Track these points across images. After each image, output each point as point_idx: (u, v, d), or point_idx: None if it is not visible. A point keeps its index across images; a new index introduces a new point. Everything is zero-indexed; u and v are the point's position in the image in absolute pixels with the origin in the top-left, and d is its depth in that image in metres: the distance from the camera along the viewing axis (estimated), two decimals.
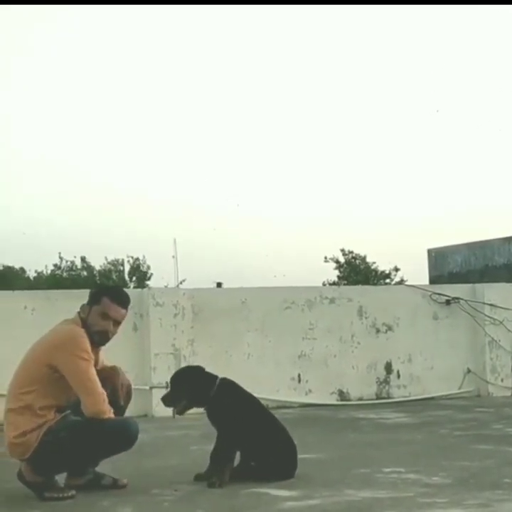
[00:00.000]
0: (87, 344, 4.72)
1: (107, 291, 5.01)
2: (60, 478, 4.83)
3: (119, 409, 4.79)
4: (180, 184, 64.88)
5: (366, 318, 10.08)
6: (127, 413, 5.04)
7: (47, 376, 4.67)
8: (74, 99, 64.88)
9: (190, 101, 64.27)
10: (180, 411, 5.18)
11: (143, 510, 4.32)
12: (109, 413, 4.66)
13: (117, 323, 4.90)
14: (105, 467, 4.98)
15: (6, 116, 64.43)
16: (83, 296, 9.14)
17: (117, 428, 4.69)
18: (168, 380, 5.49)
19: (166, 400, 5.21)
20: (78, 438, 4.61)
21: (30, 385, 4.69)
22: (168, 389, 5.33)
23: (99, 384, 4.67)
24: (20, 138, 66.74)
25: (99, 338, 4.86)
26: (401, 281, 39.63)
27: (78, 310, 4.94)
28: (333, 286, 23.84)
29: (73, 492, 4.71)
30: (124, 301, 4.95)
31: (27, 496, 4.68)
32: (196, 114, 64.79)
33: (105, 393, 4.69)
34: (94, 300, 4.91)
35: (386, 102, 62.10)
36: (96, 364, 4.85)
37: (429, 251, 15.44)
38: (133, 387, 5.18)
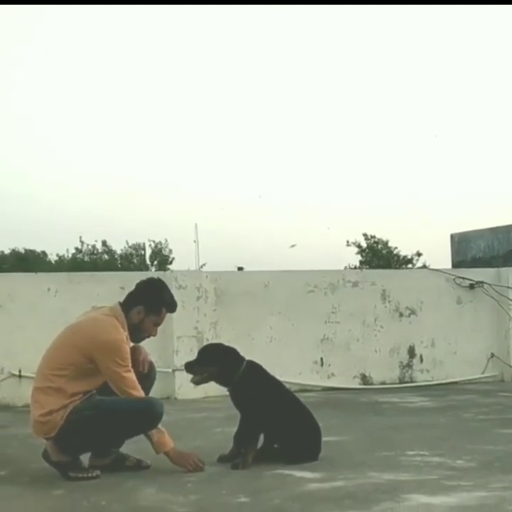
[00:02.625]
0: (127, 350, 4.75)
1: (166, 304, 5.00)
2: (85, 459, 4.85)
3: (141, 385, 4.80)
4: (203, 169, 64.90)
5: (389, 302, 10.05)
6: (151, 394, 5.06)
7: (81, 363, 4.70)
8: (95, 86, 64.97)
9: (215, 87, 64.22)
10: (198, 381, 5.19)
11: (167, 490, 4.33)
12: None
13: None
14: (129, 448, 5.01)
15: (31, 104, 64.73)
16: (105, 279, 9.30)
17: (142, 407, 4.70)
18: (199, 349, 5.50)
19: (189, 366, 5.19)
20: (103, 417, 4.64)
21: (62, 368, 4.71)
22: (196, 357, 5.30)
23: (135, 389, 4.69)
24: (44, 124, 67.00)
25: (141, 339, 4.98)
26: (423, 267, 39.49)
27: (121, 301, 4.95)
28: (357, 270, 23.78)
29: (98, 472, 4.73)
30: (175, 310, 5.16)
31: (52, 476, 4.71)
32: (220, 101, 64.74)
33: (143, 393, 4.74)
34: (152, 308, 4.92)
35: (406, 84, 61.71)
36: None
37: (452, 236, 15.33)
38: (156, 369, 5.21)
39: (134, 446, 5.01)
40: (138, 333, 4.91)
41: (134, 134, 66.98)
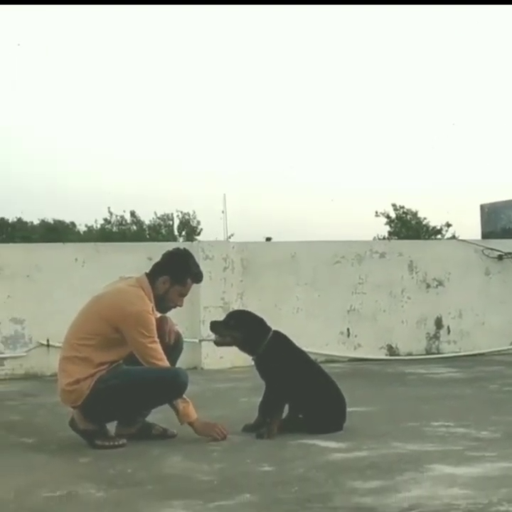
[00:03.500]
0: (153, 322, 4.76)
1: (192, 274, 4.98)
2: (111, 428, 4.90)
3: (168, 356, 4.82)
4: (232, 140, 64.75)
5: (417, 273, 10.00)
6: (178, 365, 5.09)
7: (107, 333, 4.73)
8: (127, 60, 64.92)
9: (246, 56, 63.96)
10: (221, 343, 5.19)
11: (192, 459, 4.36)
12: None
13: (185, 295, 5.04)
14: (155, 417, 5.05)
15: (67, 74, 64.89)
16: (133, 249, 9.34)
17: (167, 377, 4.72)
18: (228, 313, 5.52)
19: (214, 326, 5.19)
20: (129, 386, 4.67)
21: (89, 337, 4.74)
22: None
23: (161, 360, 4.71)
24: (74, 93, 67.13)
25: (167, 310, 4.99)
26: (453, 237, 39.25)
27: (147, 271, 4.96)
28: (384, 241, 23.64)
29: (124, 441, 4.77)
30: (201, 280, 5.13)
31: (79, 444, 4.76)
32: (251, 70, 64.43)
33: (168, 363, 4.76)
34: (178, 278, 4.91)
35: (437, 57, 61.07)
36: None
37: (482, 206, 15.17)
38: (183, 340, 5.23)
39: (160, 416, 5.05)
40: (163, 303, 4.92)
41: (162, 105, 66.96)
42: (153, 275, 4.92)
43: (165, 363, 4.73)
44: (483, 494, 3.43)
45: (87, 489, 3.75)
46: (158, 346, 4.73)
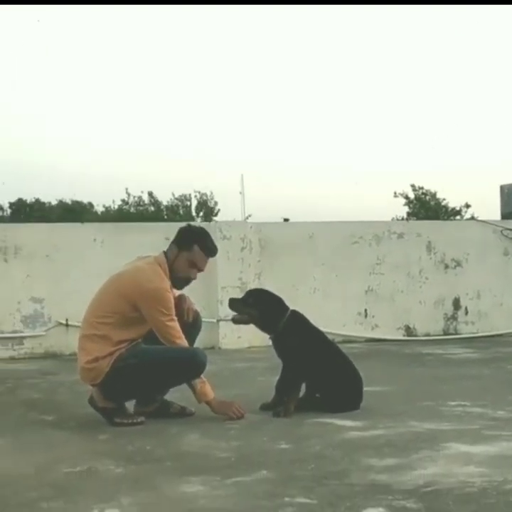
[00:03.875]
0: (171, 299, 4.77)
1: (199, 240, 4.92)
2: (130, 406, 4.94)
3: (186, 336, 4.85)
4: (249, 121, 64.57)
5: (435, 253, 9.99)
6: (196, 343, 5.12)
7: (126, 311, 4.75)
8: (145, 48, 64.74)
9: (265, 41, 63.61)
10: (238, 320, 5.19)
11: (210, 436, 4.40)
12: None
13: (201, 271, 4.97)
14: (174, 396, 5.09)
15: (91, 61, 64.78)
16: (151, 229, 9.39)
17: (186, 356, 4.75)
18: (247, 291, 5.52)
19: (233, 303, 5.21)
20: (147, 365, 4.70)
21: (107, 315, 4.77)
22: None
23: (180, 338, 4.74)
24: (95, 78, 67.11)
25: (180, 283, 4.93)
26: (472, 218, 39.06)
27: (165, 250, 4.96)
28: (402, 221, 23.54)
29: (142, 418, 4.82)
30: (213, 252, 4.99)
31: (98, 421, 4.80)
32: (270, 55, 64.14)
33: (186, 342, 4.78)
34: (184, 245, 4.89)
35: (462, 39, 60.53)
36: None
37: (502, 187, 15.09)
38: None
39: (178, 395, 5.09)
40: (175, 274, 4.87)
41: (180, 85, 66.86)
42: (167, 250, 4.94)
43: (183, 340, 4.75)
44: (498, 472, 3.44)
45: (106, 465, 3.79)
46: (176, 324, 4.75)
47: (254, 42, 67.47)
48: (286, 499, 3.14)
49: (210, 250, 4.96)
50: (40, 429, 4.77)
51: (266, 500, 3.13)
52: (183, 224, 5.22)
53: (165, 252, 4.94)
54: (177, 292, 5.04)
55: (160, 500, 3.19)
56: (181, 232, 4.99)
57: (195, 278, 4.97)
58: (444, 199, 43.37)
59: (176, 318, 4.76)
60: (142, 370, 4.70)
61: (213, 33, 68.87)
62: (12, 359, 8.57)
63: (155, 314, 4.70)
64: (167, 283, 4.80)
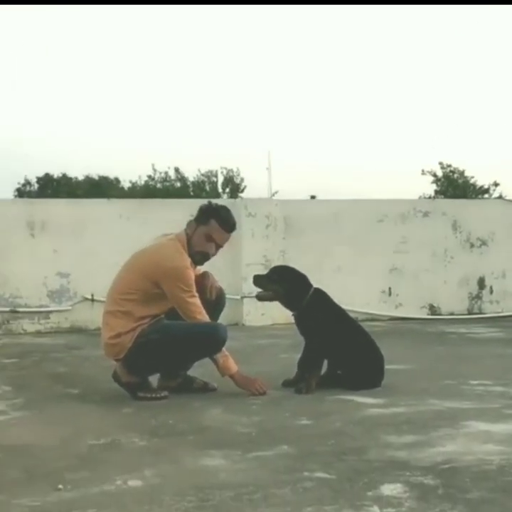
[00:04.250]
0: (191, 276, 4.80)
1: (216, 214, 4.93)
2: (154, 381, 5.01)
3: (210, 312, 4.90)
4: (277, 96, 64.35)
5: (460, 232, 9.97)
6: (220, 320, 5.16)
7: (148, 288, 4.80)
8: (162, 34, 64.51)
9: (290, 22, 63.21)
10: (263, 297, 5.22)
11: (232, 411, 4.45)
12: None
13: (219, 246, 4.98)
14: (197, 371, 5.15)
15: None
16: (177, 205, 9.45)
17: (206, 332, 4.79)
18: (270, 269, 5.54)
19: (257, 279, 5.23)
20: (169, 340, 4.75)
21: (130, 292, 4.82)
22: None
23: (200, 314, 4.78)
24: (120, 56, 67.09)
25: (199, 259, 4.95)
26: (500, 197, 38.78)
27: (185, 227, 4.99)
28: (428, 200, 23.47)
29: (166, 393, 4.88)
30: (231, 227, 4.97)
31: (122, 395, 4.88)
32: (294, 35, 63.76)
33: (207, 317, 4.82)
34: (202, 220, 4.91)
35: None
36: None
37: None
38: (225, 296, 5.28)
39: (201, 370, 5.15)
40: (193, 249, 4.88)
41: (210, 61, 66.70)
42: (187, 229, 4.97)
43: (204, 316, 4.80)
44: None
45: (130, 438, 3.86)
46: (197, 300, 4.80)
47: (287, 24, 67.04)
48: (306, 474, 3.19)
49: (227, 224, 4.94)
50: (66, 402, 4.86)
51: (286, 475, 3.18)
52: (206, 201, 5.25)
53: (186, 230, 4.97)
54: (201, 269, 5.09)
55: (181, 473, 3.25)
56: (201, 208, 5.01)
57: (214, 254, 4.97)
58: (472, 177, 43.04)
59: (196, 294, 4.80)
60: (163, 345, 4.76)
61: (242, 15, 68.54)
62: (38, 333, 8.69)
63: (176, 291, 4.75)
64: (187, 260, 4.84)
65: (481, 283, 9.96)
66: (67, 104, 71.85)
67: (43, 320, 8.83)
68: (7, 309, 8.72)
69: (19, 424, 4.28)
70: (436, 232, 9.87)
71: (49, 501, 2.90)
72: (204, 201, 5.22)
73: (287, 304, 5.19)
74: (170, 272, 4.75)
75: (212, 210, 4.96)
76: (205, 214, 4.94)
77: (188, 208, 8.48)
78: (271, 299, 5.24)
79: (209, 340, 4.78)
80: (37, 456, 3.55)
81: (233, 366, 4.83)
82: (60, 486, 3.06)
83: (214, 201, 5.23)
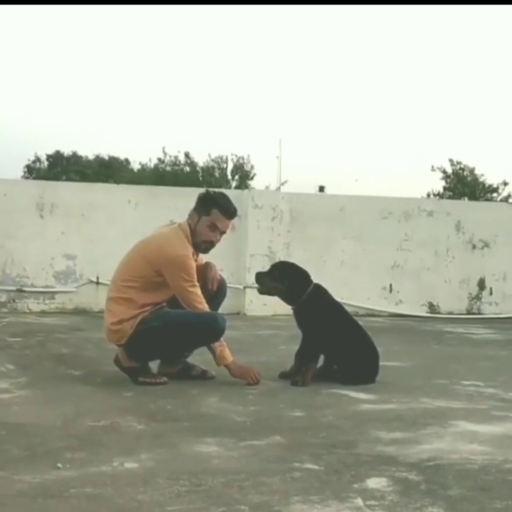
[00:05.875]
0: (193, 266, 4.91)
1: (217, 203, 5.03)
2: (154, 366, 5.14)
3: (210, 302, 5.01)
4: (290, 83, 64.23)
5: (463, 233, 10.07)
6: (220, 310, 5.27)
7: (150, 276, 4.91)
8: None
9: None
10: (265, 291, 5.33)
11: (229, 400, 4.57)
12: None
13: (223, 233, 5.08)
14: (196, 359, 5.27)
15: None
16: (185, 193, 9.57)
17: (205, 321, 4.89)
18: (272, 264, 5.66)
19: (259, 277, 5.32)
20: (169, 329, 4.87)
21: (132, 280, 4.94)
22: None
23: (201, 303, 4.89)
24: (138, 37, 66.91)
25: (205, 247, 5.06)
26: (508, 196, 38.78)
27: (187, 218, 5.08)
28: (433, 199, 23.56)
29: (165, 379, 5.01)
30: (232, 214, 5.10)
31: (123, 379, 5.00)
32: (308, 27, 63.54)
33: (207, 307, 4.93)
34: (203, 210, 5.01)
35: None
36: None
37: None
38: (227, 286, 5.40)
39: (200, 358, 5.28)
40: (197, 238, 4.99)
41: (222, 49, 66.57)
42: (189, 219, 5.07)
43: (204, 305, 4.91)
44: (500, 452, 3.58)
45: (128, 421, 3.99)
46: (198, 290, 4.90)
47: (298, 17, 66.92)
48: (296, 464, 3.31)
49: (229, 211, 5.06)
50: (68, 383, 4.98)
51: (276, 464, 3.30)
52: (218, 190, 5.36)
53: (187, 220, 5.07)
54: (204, 259, 5.20)
55: (176, 458, 3.37)
56: (200, 198, 5.10)
57: (218, 241, 5.08)
58: (482, 175, 42.92)
59: (197, 284, 4.91)
60: (163, 333, 4.87)
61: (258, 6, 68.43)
62: (43, 313, 8.83)
63: (177, 280, 4.86)
64: (190, 249, 4.94)
65: (481, 284, 10.07)
66: (81, 84, 71.88)
67: (48, 300, 8.97)
68: (14, 288, 8.86)
69: (22, 402, 4.41)
70: (439, 231, 9.98)
71: (48, 479, 3.02)
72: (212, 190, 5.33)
73: (287, 299, 5.30)
74: (172, 261, 4.86)
75: (212, 199, 5.08)
76: (206, 204, 5.04)
77: (195, 196, 8.58)
78: (273, 295, 5.35)
79: (208, 329, 4.89)
80: (38, 435, 3.67)
81: (229, 356, 4.95)
82: (59, 465, 3.18)
83: (218, 190, 5.34)
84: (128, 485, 2.97)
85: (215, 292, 5.16)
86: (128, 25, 73.40)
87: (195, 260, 5.04)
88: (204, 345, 5.00)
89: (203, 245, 5.03)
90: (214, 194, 5.16)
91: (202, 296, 4.92)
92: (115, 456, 3.34)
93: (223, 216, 5.03)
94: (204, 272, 5.09)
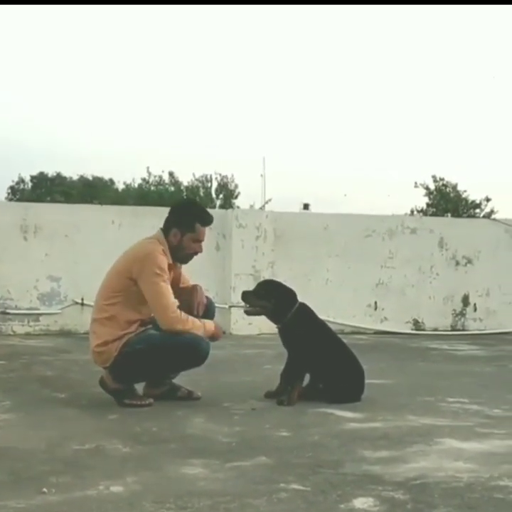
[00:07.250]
0: (163, 261, 4.91)
1: (198, 218, 5.07)
2: (140, 388, 5.13)
3: None
4: (273, 103, 64.51)
5: (447, 250, 10.13)
6: None
7: (128, 288, 4.91)
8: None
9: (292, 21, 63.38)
10: (251, 312, 5.35)
11: (214, 421, 4.57)
12: (183, 323, 4.84)
13: (202, 241, 5.14)
14: (182, 380, 5.27)
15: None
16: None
17: (189, 346, 4.86)
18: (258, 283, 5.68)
19: (245, 296, 5.32)
20: (153, 351, 4.86)
21: (113, 296, 4.94)
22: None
23: (170, 297, 4.87)
24: (121, 51, 67.12)
25: (188, 258, 5.11)
26: (491, 212, 39.00)
27: (161, 227, 5.09)
28: (416, 216, 23.66)
29: (151, 400, 5.00)
30: (211, 223, 5.19)
31: (108, 401, 4.99)
32: (292, 40, 63.92)
33: (177, 303, 4.90)
34: (186, 227, 5.02)
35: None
36: (178, 282, 5.09)
37: None
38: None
39: (186, 379, 5.27)
40: (182, 253, 5.04)
41: (206, 65, 66.85)
42: (165, 230, 5.07)
43: (170, 300, 4.86)
44: (485, 469, 3.60)
45: (114, 444, 3.97)
46: (168, 286, 4.87)
47: (279, 27, 67.35)
48: (282, 485, 3.31)
49: (209, 221, 5.16)
50: (53, 406, 4.97)
51: (262, 485, 3.30)
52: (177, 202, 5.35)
53: (162, 230, 5.06)
54: (190, 281, 5.20)
55: (162, 481, 3.36)
56: (180, 214, 5.10)
57: (201, 251, 5.13)
58: (465, 191, 43.20)
59: (168, 281, 4.89)
60: (147, 356, 4.86)
61: (240, 18, 68.75)
62: (28, 335, 8.80)
63: (150, 276, 4.83)
64: (160, 249, 4.93)
65: (465, 300, 10.12)
66: (65, 105, 71.99)
67: (32, 322, 8.94)
68: None
69: (6, 426, 4.39)
70: (422, 248, 10.03)
71: (33, 504, 3.01)
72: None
73: (272, 318, 5.31)
74: (142, 258, 4.88)
75: (192, 214, 5.11)
76: (190, 221, 5.05)
77: None
78: (259, 314, 5.37)
79: (191, 354, 4.89)
80: (23, 459, 3.66)
81: (200, 325, 4.93)
82: (45, 490, 3.16)
83: (190, 198, 5.36)
84: (114, 509, 2.96)
85: (204, 314, 5.14)
86: (109, 48, 73.51)
87: (178, 270, 5.09)
88: (189, 369, 5.01)
89: (188, 257, 5.10)
90: (191, 209, 5.20)
91: (172, 293, 4.88)
92: (101, 479, 3.33)
93: (203, 227, 5.12)
94: (191, 295, 5.09)
